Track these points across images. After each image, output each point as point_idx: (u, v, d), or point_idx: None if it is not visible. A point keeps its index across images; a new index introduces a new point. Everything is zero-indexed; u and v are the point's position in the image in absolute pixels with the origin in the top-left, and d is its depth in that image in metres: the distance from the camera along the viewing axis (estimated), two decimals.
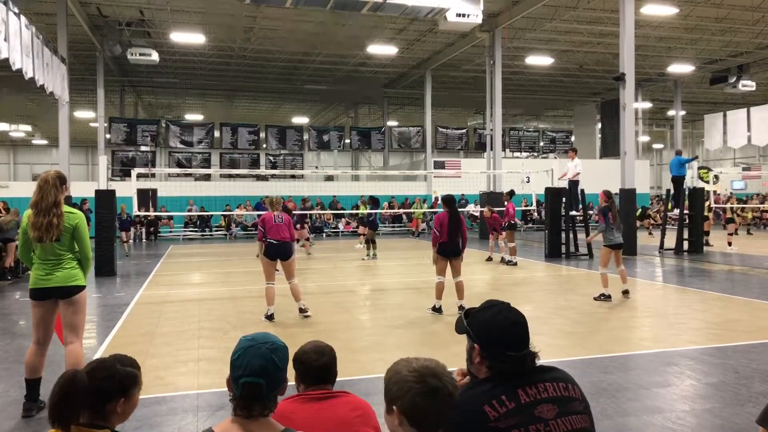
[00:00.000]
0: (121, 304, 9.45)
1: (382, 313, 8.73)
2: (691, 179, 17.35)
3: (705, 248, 17.14)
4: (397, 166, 35.93)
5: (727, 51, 25.77)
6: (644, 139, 40.00)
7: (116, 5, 19.52)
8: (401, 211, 27.37)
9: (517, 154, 34.65)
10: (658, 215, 26.66)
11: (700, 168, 18.99)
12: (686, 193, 17.02)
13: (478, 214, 24.67)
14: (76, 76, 24.19)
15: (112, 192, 14.00)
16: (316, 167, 41.56)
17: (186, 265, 15.97)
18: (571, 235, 16.19)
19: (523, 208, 25.24)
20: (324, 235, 25.99)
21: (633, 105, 17.02)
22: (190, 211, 25.73)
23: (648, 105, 34.73)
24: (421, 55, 26.57)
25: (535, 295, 10.36)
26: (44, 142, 42.99)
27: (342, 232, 27.11)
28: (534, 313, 8.27)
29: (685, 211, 16.76)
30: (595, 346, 6.63)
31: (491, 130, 22.58)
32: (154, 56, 21.00)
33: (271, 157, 31.84)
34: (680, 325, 7.70)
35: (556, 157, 30.05)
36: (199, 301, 9.82)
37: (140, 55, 20.81)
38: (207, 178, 30.24)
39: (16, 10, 10.43)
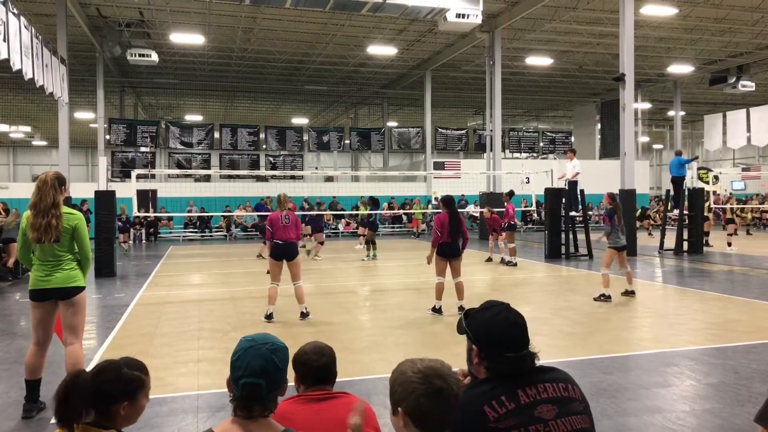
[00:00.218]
0: (121, 305, 9.45)
1: (382, 314, 8.73)
2: (690, 180, 17.35)
3: (705, 249, 17.14)
4: (396, 167, 35.95)
5: (727, 51, 25.78)
6: (644, 139, 40.05)
7: (116, 6, 19.52)
8: (401, 211, 27.38)
9: (516, 154, 34.65)
10: (657, 216, 26.68)
11: (699, 169, 19.00)
12: (686, 193, 17.02)
13: (477, 214, 24.68)
14: (76, 76, 24.19)
15: (112, 193, 14.00)
16: (316, 168, 41.60)
17: (186, 266, 15.97)
18: (571, 236, 16.19)
19: (523, 208, 25.25)
20: (324, 235, 25.94)
21: (633, 105, 17.03)
22: (189, 212, 25.73)
23: (648, 105, 34.75)
24: (421, 56, 26.58)
25: (535, 296, 10.36)
26: (44, 143, 43.00)
27: (342, 232, 27.12)
28: (534, 314, 8.27)
29: (685, 212, 16.76)
30: (595, 347, 6.63)
31: (491, 130, 22.58)
32: (154, 57, 21.01)
33: (270, 158, 31.85)
34: (680, 325, 7.70)
35: (555, 158, 30.06)
36: (199, 302, 9.82)
37: (140, 55, 20.82)
38: (207, 179, 30.25)
39: (16, 11, 10.44)
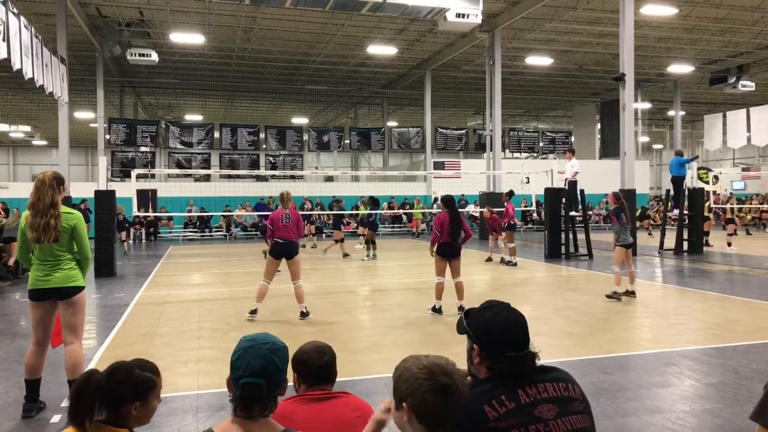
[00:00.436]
0: (121, 305, 9.45)
1: (382, 314, 8.73)
2: (690, 180, 17.35)
3: (705, 249, 17.14)
4: (396, 167, 35.94)
5: (727, 51, 25.78)
6: (644, 139, 40.05)
7: (116, 6, 19.51)
8: (401, 211, 27.38)
9: (516, 154, 34.65)
10: (657, 215, 26.68)
11: (699, 168, 18.99)
12: (686, 193, 17.02)
13: (477, 214, 24.68)
14: (76, 76, 24.19)
15: (112, 192, 14.00)
16: (316, 168, 41.59)
17: (186, 265, 15.97)
18: (571, 236, 16.19)
19: (523, 208, 25.25)
20: (324, 235, 25.95)
21: (633, 105, 17.03)
22: (189, 211, 25.73)
23: (648, 105, 34.75)
24: (421, 56, 26.58)
25: (535, 296, 10.36)
26: (44, 142, 42.98)
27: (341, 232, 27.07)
28: (534, 314, 8.27)
29: (685, 212, 16.76)
30: (595, 347, 6.63)
31: (491, 130, 22.58)
32: (154, 57, 21.01)
33: (270, 158, 31.85)
34: (680, 325, 7.70)
35: (555, 158, 30.06)
36: (198, 302, 9.82)
37: (140, 55, 20.82)
38: (207, 178, 30.24)
39: (16, 11, 10.43)
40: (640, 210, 23.85)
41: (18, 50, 10.46)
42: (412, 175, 30.16)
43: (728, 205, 21.20)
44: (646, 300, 9.54)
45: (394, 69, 28.86)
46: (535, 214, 27.34)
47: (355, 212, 23.95)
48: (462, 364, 2.04)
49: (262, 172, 29.84)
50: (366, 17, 20.14)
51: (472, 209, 26.04)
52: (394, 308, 9.10)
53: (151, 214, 23.92)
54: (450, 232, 8.33)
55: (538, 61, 25.35)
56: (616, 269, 9.59)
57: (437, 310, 8.44)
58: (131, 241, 23.67)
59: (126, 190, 18.57)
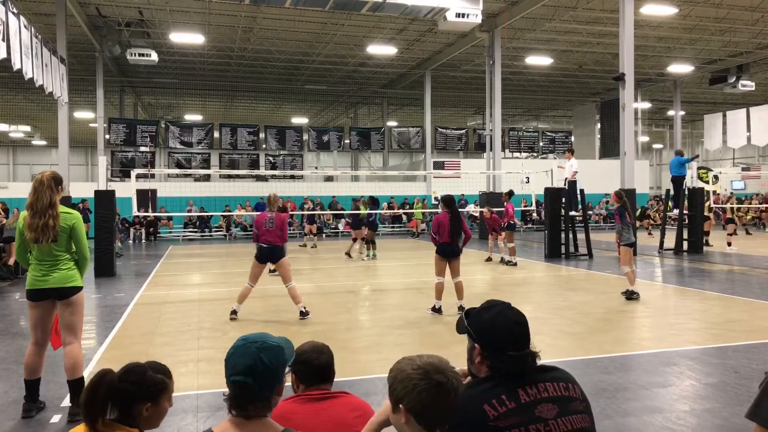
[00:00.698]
0: (120, 305, 9.45)
1: (381, 314, 8.72)
2: (690, 179, 17.35)
3: (704, 248, 17.14)
4: (396, 167, 35.95)
5: (727, 51, 25.78)
6: (644, 139, 40.05)
7: (115, 5, 19.51)
8: (401, 211, 27.38)
9: (516, 154, 34.65)
10: (657, 215, 26.67)
11: (699, 168, 18.99)
12: (686, 193, 17.02)
13: (477, 214, 24.68)
14: (76, 76, 24.18)
15: (112, 192, 14.00)
16: (316, 168, 41.57)
17: (186, 265, 15.97)
18: (571, 236, 16.19)
19: (523, 208, 25.26)
20: (324, 235, 25.98)
21: (632, 105, 17.03)
22: (189, 211, 25.73)
23: (647, 105, 34.76)
24: (421, 55, 26.58)
25: (535, 296, 10.36)
26: (43, 142, 42.97)
27: (342, 232, 27.11)
28: (534, 314, 8.27)
29: (685, 212, 16.76)
30: (595, 346, 6.63)
31: (491, 130, 22.59)
32: (154, 56, 21.01)
33: (270, 158, 31.85)
34: (680, 325, 7.70)
35: (555, 158, 30.07)
36: (198, 302, 9.82)
37: (139, 55, 20.82)
38: (206, 178, 30.25)
39: (16, 11, 10.43)
40: (639, 210, 23.84)
41: (18, 50, 10.46)
42: (412, 175, 30.16)
43: (728, 205, 21.19)
44: (646, 300, 9.54)
45: (394, 69, 28.86)
46: (534, 214, 27.34)
47: (355, 212, 23.95)
48: (462, 364, 2.04)
49: (262, 172, 29.84)
50: (366, 17, 20.14)
51: (472, 209, 26.05)
52: (393, 308, 9.09)
53: (150, 214, 23.91)
54: (450, 232, 8.32)
55: (538, 61, 25.35)
56: (626, 269, 9.59)
57: (437, 310, 8.43)
58: (130, 241, 23.65)
59: (126, 190, 18.56)
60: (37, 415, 4.62)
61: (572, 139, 35.38)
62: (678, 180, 16.92)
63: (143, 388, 2.07)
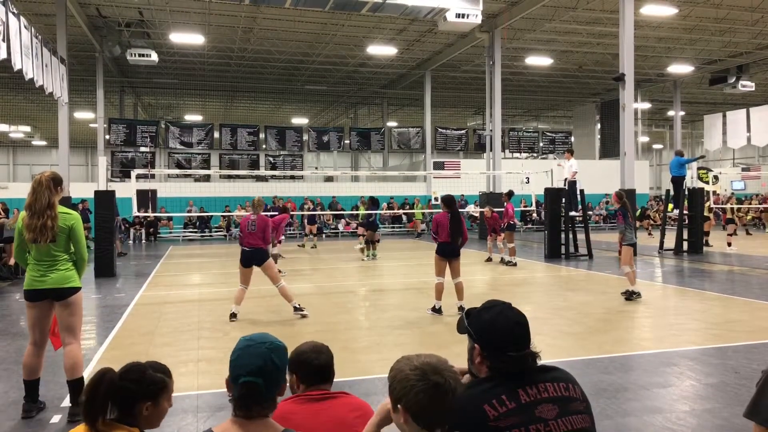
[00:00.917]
0: (120, 305, 9.45)
1: (381, 314, 8.72)
2: (690, 180, 17.36)
3: (704, 249, 17.14)
4: (396, 167, 35.93)
5: (727, 51, 25.78)
6: (644, 139, 40.07)
7: (115, 6, 19.52)
8: (401, 211, 27.38)
9: (516, 154, 34.64)
10: (657, 215, 26.67)
11: (699, 168, 19.00)
12: (686, 193, 17.02)
13: (477, 214, 24.68)
14: (76, 76, 24.19)
15: (112, 193, 14.01)
16: (316, 168, 41.57)
17: (186, 265, 15.97)
18: (571, 236, 16.20)
19: (523, 208, 25.26)
20: (324, 236, 25.98)
21: (632, 105, 17.04)
22: (189, 211, 25.73)
23: (647, 105, 34.76)
24: (421, 56, 26.58)
25: (535, 296, 10.36)
26: (44, 142, 42.99)
27: (342, 232, 27.12)
28: (534, 314, 8.27)
29: (685, 212, 16.76)
30: (595, 347, 6.63)
31: (491, 130, 22.59)
32: (154, 57, 21.01)
33: (270, 158, 31.85)
34: (680, 325, 7.70)
35: (555, 158, 30.07)
36: (198, 302, 9.82)
37: (139, 55, 20.82)
38: (207, 179, 30.24)
39: (16, 11, 10.43)
40: (639, 210, 23.84)
41: (18, 50, 10.46)
42: (412, 176, 30.16)
43: (728, 205, 21.19)
44: (646, 300, 9.53)
45: (394, 69, 28.87)
46: (534, 214, 27.34)
47: (355, 212, 23.96)
48: (462, 364, 2.05)
49: (262, 172, 29.83)
50: (366, 17, 20.15)
51: (472, 209, 26.05)
52: (393, 308, 9.09)
53: (150, 214, 23.91)
54: (450, 232, 8.33)
55: (538, 61, 25.36)
56: (627, 269, 9.57)
57: (437, 311, 8.43)
58: (130, 242, 23.63)
59: (126, 190, 18.57)
60: (37, 415, 4.62)
61: (572, 139, 35.38)
62: (678, 180, 16.92)
63: (143, 386, 2.08)
